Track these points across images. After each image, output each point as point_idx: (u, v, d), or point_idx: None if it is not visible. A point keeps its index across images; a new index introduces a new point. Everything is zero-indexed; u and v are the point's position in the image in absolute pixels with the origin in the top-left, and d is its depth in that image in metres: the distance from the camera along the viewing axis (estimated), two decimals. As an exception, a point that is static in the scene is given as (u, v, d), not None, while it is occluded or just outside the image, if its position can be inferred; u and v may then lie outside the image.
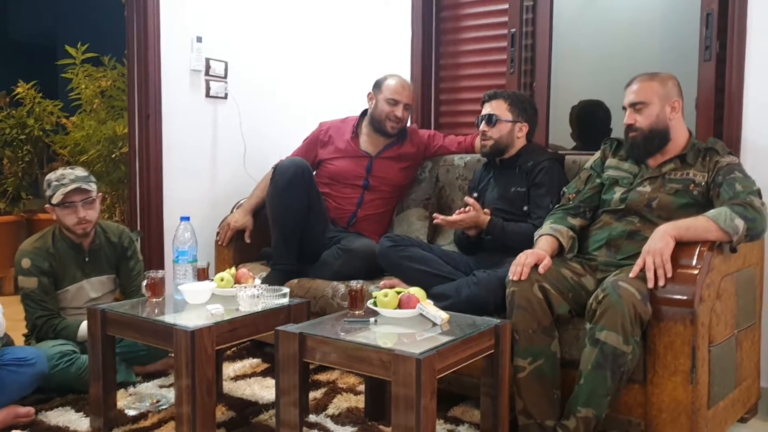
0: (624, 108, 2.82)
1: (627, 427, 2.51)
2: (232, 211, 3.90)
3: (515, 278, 2.59)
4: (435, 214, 3.17)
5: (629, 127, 2.78)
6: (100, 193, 3.25)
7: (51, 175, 3.15)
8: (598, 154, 3.01)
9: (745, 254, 2.68)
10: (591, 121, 3.65)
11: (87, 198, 3.12)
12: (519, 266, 2.61)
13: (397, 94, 3.67)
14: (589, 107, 3.63)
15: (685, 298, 2.36)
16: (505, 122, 3.23)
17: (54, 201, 3.09)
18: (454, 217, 3.09)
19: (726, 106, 3.11)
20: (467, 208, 3.08)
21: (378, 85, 3.74)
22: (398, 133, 3.74)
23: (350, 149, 3.78)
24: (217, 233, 3.85)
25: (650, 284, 2.41)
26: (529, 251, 2.68)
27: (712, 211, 2.51)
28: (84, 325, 3.05)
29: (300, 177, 3.46)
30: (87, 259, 3.23)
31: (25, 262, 3.10)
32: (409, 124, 3.94)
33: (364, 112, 3.84)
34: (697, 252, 2.42)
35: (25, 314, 3.16)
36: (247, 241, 3.80)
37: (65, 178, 3.11)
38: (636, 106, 2.76)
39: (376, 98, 3.73)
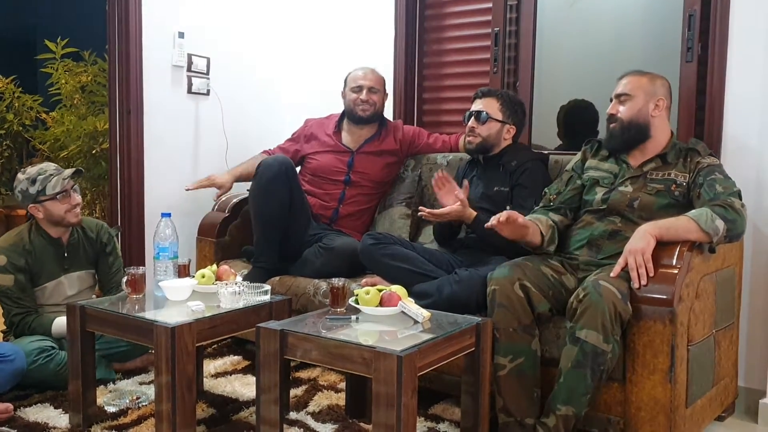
0: (611, 100, 2.85)
1: (606, 425, 2.52)
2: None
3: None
4: (420, 207, 3.16)
5: (610, 117, 2.82)
6: None
7: (26, 175, 3.09)
8: (579, 155, 3.02)
9: (725, 254, 2.70)
10: (579, 121, 3.66)
11: (75, 185, 3.16)
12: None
13: (359, 80, 3.78)
14: (579, 107, 3.64)
15: (664, 297, 2.37)
16: (495, 121, 3.23)
17: (53, 191, 3.06)
18: (440, 210, 3.09)
19: (707, 108, 3.13)
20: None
21: (345, 80, 3.87)
22: (372, 117, 3.77)
23: (332, 143, 3.81)
24: (198, 231, 3.85)
25: (634, 284, 2.42)
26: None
27: (693, 211, 2.52)
28: (58, 320, 3.04)
29: (283, 174, 3.46)
30: (66, 255, 3.20)
31: (1, 259, 3.06)
32: (392, 120, 3.95)
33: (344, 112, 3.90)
34: (677, 252, 2.44)
35: (2, 312, 3.13)
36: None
37: (47, 171, 3.10)
38: (621, 98, 2.79)
39: (344, 92, 3.83)
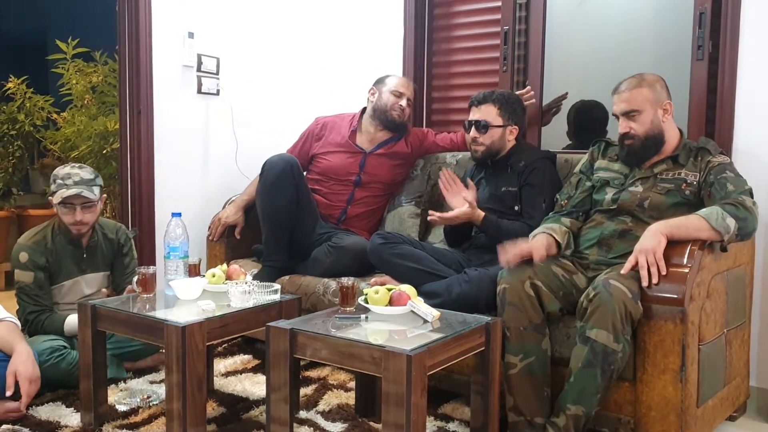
0: (615, 115, 2.81)
1: (616, 425, 2.52)
2: (223, 207, 3.90)
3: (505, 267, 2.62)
4: (430, 212, 3.16)
5: (625, 135, 2.76)
6: (104, 195, 3.22)
7: (59, 170, 3.13)
8: (586, 156, 3.01)
9: (736, 253, 2.69)
10: (588, 121, 3.64)
11: (86, 203, 3.11)
12: (510, 254, 2.64)
13: (402, 87, 3.77)
14: (588, 107, 3.62)
15: (675, 296, 2.36)
16: (496, 128, 3.22)
17: (54, 200, 3.09)
18: (450, 213, 3.09)
19: (718, 106, 3.11)
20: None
21: (381, 81, 3.82)
22: (401, 124, 3.77)
23: (346, 144, 3.79)
24: (209, 229, 3.85)
25: (644, 283, 2.41)
26: (520, 242, 2.70)
27: (704, 210, 2.51)
28: (70, 318, 3.06)
29: (288, 172, 3.47)
30: (85, 255, 3.22)
31: (23, 256, 3.09)
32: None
33: (363, 110, 3.86)
34: (687, 251, 2.43)
35: (18, 308, 3.15)
36: (237, 237, 3.81)
37: (70, 178, 3.09)
38: (629, 115, 2.73)
39: (379, 91, 3.78)
